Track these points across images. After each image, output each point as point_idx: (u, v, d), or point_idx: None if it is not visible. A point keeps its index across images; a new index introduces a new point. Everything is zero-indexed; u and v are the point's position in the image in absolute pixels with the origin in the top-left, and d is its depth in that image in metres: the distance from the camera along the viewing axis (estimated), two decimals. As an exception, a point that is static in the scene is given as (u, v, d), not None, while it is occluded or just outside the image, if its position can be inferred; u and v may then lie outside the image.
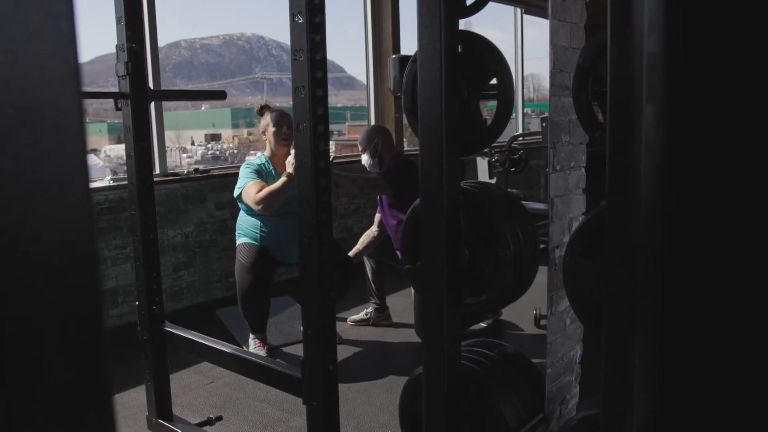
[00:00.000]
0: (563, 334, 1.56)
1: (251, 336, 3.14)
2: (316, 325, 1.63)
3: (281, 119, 3.06)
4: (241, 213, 3.14)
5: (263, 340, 3.14)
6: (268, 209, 2.88)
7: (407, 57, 5.31)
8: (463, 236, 1.42)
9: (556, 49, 1.38)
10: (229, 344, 2.04)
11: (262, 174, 3.03)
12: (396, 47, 5.09)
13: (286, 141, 3.05)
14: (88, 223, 0.35)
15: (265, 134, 3.12)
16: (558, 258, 1.48)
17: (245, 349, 3.08)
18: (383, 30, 5.12)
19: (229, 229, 3.94)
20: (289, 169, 2.81)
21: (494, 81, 1.40)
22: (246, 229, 3.10)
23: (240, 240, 3.11)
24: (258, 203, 2.86)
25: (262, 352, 3.05)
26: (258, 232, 3.05)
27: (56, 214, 0.34)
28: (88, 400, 0.37)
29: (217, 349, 2.00)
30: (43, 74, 0.33)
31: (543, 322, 3.37)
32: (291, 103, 1.58)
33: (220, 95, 2.47)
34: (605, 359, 1.24)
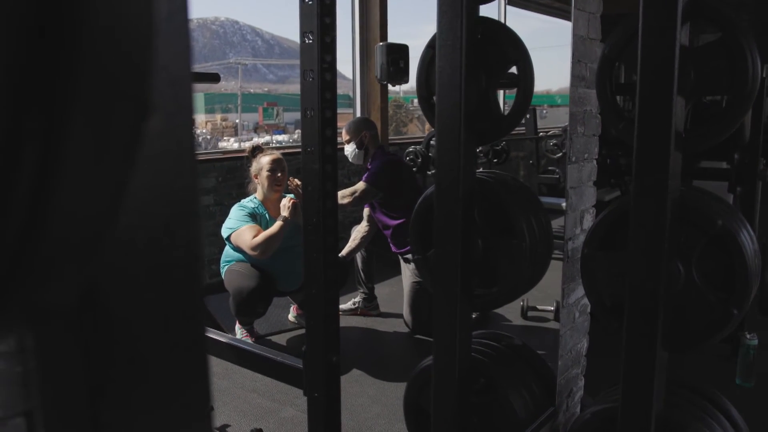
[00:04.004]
0: (572, 326, 1.55)
1: (238, 325, 3.09)
2: (319, 316, 1.60)
3: (276, 164, 3.00)
4: (227, 248, 3.04)
5: (250, 331, 3.09)
6: (265, 254, 2.82)
7: (395, 45, 5.24)
8: (477, 226, 1.40)
9: (576, 39, 1.36)
10: (224, 333, 2.00)
11: (256, 218, 2.95)
12: (383, 36, 5.03)
13: (279, 186, 3.00)
14: (194, 214, 0.31)
15: (257, 177, 3.03)
16: (571, 250, 1.47)
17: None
18: (371, 18, 5.05)
19: (212, 215, 3.86)
20: (284, 213, 2.82)
21: (512, 70, 1.37)
22: (233, 258, 3.03)
23: (229, 265, 3.02)
24: (254, 249, 2.80)
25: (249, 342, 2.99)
26: (247, 261, 2.98)
27: (164, 203, 0.30)
28: (189, 402, 0.33)
29: (211, 338, 1.94)
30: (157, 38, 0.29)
31: (530, 313, 3.39)
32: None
33: (213, 77, 2.40)
34: (625, 352, 1.23)
